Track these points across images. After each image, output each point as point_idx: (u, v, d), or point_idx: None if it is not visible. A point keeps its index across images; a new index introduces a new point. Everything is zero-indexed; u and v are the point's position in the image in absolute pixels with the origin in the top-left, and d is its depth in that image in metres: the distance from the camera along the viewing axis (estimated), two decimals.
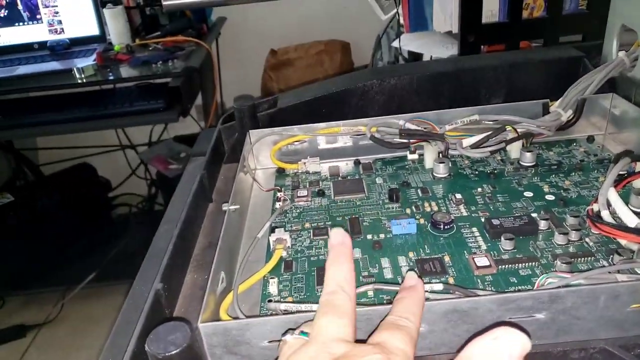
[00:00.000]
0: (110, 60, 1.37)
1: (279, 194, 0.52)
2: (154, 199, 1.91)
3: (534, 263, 0.39)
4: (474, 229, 0.44)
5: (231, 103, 0.61)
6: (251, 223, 0.50)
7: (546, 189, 0.49)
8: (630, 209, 0.40)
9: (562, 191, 0.48)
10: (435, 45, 1.04)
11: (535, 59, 0.65)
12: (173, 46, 1.44)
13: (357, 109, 0.63)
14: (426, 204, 0.48)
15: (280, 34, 1.75)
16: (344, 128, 0.57)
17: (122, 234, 1.81)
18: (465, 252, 0.41)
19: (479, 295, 0.33)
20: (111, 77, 1.30)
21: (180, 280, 0.41)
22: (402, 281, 0.32)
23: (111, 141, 1.85)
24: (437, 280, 0.38)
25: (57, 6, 1.43)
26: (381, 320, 0.29)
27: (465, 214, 0.46)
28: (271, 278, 0.40)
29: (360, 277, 0.40)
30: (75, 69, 1.26)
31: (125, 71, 1.32)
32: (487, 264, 0.39)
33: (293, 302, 0.38)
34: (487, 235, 0.43)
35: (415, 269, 0.40)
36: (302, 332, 0.29)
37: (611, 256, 0.39)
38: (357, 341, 0.27)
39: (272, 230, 0.45)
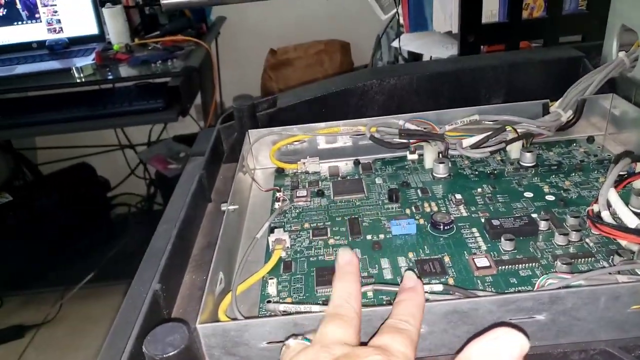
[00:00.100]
0: (109, 59, 1.37)
1: (278, 194, 0.52)
2: (153, 198, 1.91)
3: (534, 264, 0.39)
4: (474, 230, 0.44)
5: (230, 103, 0.61)
6: (250, 223, 0.49)
7: (546, 189, 0.49)
8: (631, 210, 0.40)
9: (562, 192, 0.48)
10: (435, 45, 1.04)
11: (535, 59, 0.65)
12: (172, 46, 1.43)
13: (357, 109, 0.63)
14: (426, 204, 0.48)
15: (280, 33, 1.75)
16: (344, 128, 0.57)
17: (121, 233, 1.81)
18: (465, 252, 0.41)
19: (479, 296, 0.33)
20: (110, 77, 1.30)
21: (179, 281, 0.41)
22: (401, 281, 0.32)
23: (110, 141, 1.85)
24: (437, 281, 0.38)
25: (56, 5, 1.43)
26: (382, 323, 0.29)
27: (465, 214, 0.46)
28: (270, 279, 0.40)
29: (360, 278, 0.39)
30: (74, 69, 1.26)
31: (125, 71, 1.32)
32: (487, 264, 0.39)
33: (292, 302, 0.38)
34: (487, 235, 0.43)
35: (415, 270, 0.39)
36: (305, 338, 0.29)
37: (611, 257, 0.38)
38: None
39: (271, 230, 0.45)
